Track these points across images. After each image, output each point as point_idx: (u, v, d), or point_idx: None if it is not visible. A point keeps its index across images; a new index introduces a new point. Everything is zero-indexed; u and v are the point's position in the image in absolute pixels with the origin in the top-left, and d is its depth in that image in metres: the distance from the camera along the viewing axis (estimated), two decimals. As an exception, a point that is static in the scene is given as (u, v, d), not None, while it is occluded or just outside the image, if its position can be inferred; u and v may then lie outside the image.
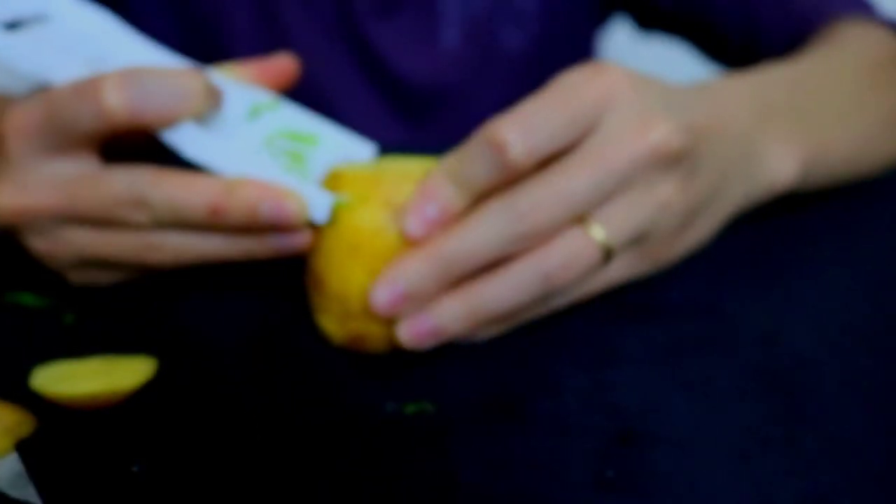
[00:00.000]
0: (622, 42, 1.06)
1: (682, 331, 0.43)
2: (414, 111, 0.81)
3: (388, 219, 0.39)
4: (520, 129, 0.38)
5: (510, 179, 0.38)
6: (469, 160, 0.38)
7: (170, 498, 0.33)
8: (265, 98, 0.45)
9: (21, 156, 0.41)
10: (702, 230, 0.45)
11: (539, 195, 0.38)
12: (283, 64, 0.48)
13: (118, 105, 0.39)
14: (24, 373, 0.38)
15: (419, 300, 0.38)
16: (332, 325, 0.40)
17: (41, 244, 0.43)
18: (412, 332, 0.39)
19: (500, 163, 0.38)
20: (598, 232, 0.39)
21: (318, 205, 0.40)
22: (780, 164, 0.49)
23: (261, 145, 0.43)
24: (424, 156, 0.42)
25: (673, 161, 0.40)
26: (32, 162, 0.41)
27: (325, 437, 0.36)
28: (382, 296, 0.38)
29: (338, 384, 0.39)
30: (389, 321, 0.39)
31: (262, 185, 0.40)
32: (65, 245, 0.43)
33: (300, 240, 0.41)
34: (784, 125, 0.50)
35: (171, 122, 0.40)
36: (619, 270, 0.42)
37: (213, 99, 0.42)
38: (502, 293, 0.39)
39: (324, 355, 0.41)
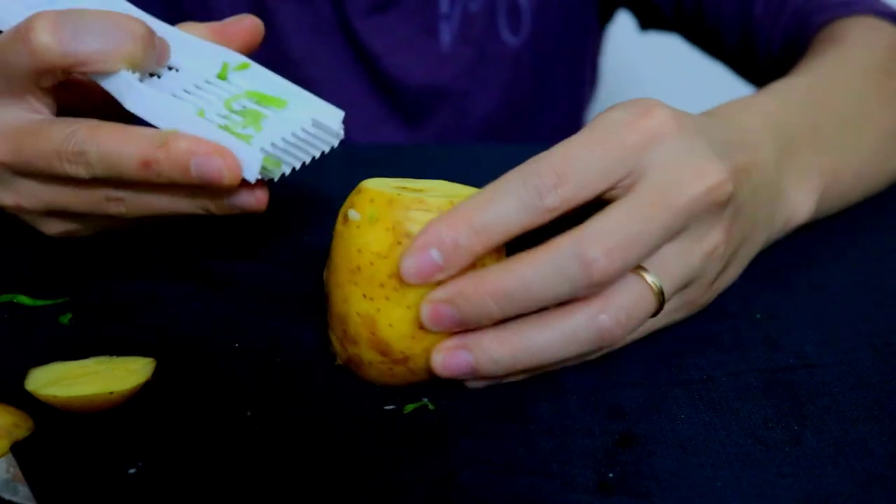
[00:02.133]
0: (621, 40, 1.06)
1: (683, 330, 0.43)
2: (410, 110, 0.80)
3: (391, 245, 0.36)
4: (557, 172, 0.36)
5: (543, 223, 0.36)
6: (499, 200, 0.35)
7: (166, 500, 0.32)
8: (236, 59, 0.45)
9: None
10: (734, 274, 0.43)
11: (610, 241, 0.35)
12: (248, 24, 0.47)
13: (49, 43, 0.39)
14: (21, 374, 0.38)
15: (469, 327, 0.36)
16: (335, 342, 0.39)
17: (5, 196, 0.43)
18: (448, 363, 0.36)
19: (533, 208, 0.35)
20: (653, 281, 0.37)
21: (250, 164, 0.39)
22: (798, 203, 0.48)
23: (219, 102, 0.43)
24: (452, 182, 0.41)
25: (722, 206, 0.39)
26: None
27: (325, 437, 0.36)
28: (435, 313, 0.35)
29: (338, 385, 0.39)
30: (385, 352, 0.37)
31: (195, 139, 0.39)
32: (27, 197, 0.42)
33: (249, 199, 0.41)
34: (802, 157, 0.49)
35: (104, 64, 0.40)
36: (662, 319, 0.40)
37: (155, 49, 0.41)
38: (552, 343, 0.36)
39: (323, 356, 0.41)
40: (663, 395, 0.39)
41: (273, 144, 0.42)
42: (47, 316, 0.44)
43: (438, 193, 0.38)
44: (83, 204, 0.42)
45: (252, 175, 0.40)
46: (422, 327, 0.36)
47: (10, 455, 0.34)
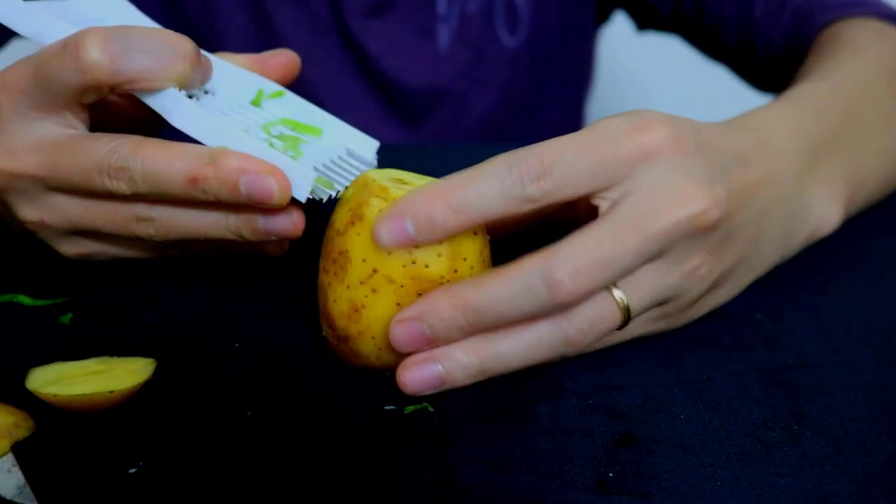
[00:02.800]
0: (618, 41, 1.06)
1: (683, 331, 0.43)
2: (408, 111, 0.81)
3: (346, 223, 0.37)
4: (543, 164, 0.36)
5: (521, 213, 0.37)
6: (481, 181, 0.36)
7: (166, 500, 0.32)
8: (271, 87, 0.45)
9: (9, 115, 0.41)
10: (726, 294, 0.43)
11: (578, 263, 0.35)
12: (285, 58, 0.47)
13: (99, 59, 0.38)
14: (21, 374, 0.38)
15: (437, 344, 0.37)
16: (327, 333, 0.40)
17: (30, 212, 0.42)
18: (416, 377, 0.37)
19: (514, 195, 0.36)
20: (621, 298, 0.37)
21: (300, 183, 0.39)
22: (824, 213, 0.47)
23: (258, 128, 0.43)
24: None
25: (707, 233, 0.38)
26: (20, 122, 0.41)
27: (325, 437, 0.36)
28: (403, 332, 0.36)
29: (338, 385, 0.39)
30: (332, 327, 0.38)
31: (245, 157, 0.39)
32: (53, 213, 0.42)
33: (286, 223, 0.40)
34: (829, 168, 0.48)
35: (153, 82, 0.39)
36: (636, 329, 0.40)
37: (201, 67, 0.41)
38: (518, 351, 0.37)
39: (323, 356, 0.41)
40: (663, 395, 0.39)
41: (319, 166, 0.42)
42: (47, 316, 0.44)
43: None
44: (112, 223, 0.42)
45: (303, 194, 0.39)
46: (357, 310, 0.37)
47: (10, 455, 0.34)
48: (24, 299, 0.45)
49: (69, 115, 0.41)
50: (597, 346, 0.40)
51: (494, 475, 0.34)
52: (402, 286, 0.37)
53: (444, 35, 0.79)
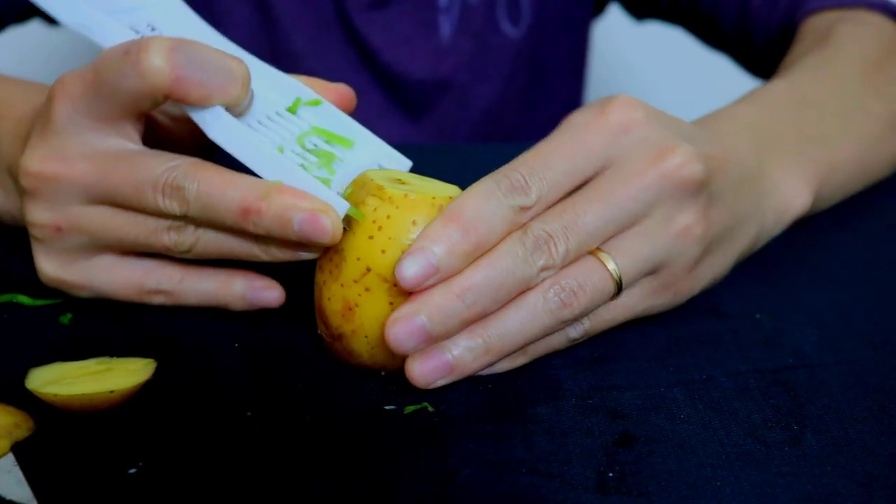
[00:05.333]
0: (616, 31, 1.06)
1: (682, 331, 0.43)
2: (411, 103, 0.81)
3: (369, 247, 0.37)
4: (532, 173, 0.38)
5: (521, 224, 0.38)
6: (477, 202, 0.37)
7: (166, 500, 0.32)
8: (309, 95, 0.45)
9: (64, 119, 0.40)
10: (719, 264, 0.44)
11: (551, 229, 0.37)
12: (342, 90, 0.46)
13: (163, 68, 0.38)
14: (21, 374, 0.38)
15: (438, 339, 0.37)
16: (322, 331, 0.40)
17: (46, 217, 0.41)
18: (425, 368, 0.37)
19: (512, 207, 0.37)
20: (609, 262, 0.38)
21: (342, 214, 0.39)
22: (790, 194, 0.49)
23: (292, 139, 0.43)
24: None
25: (693, 189, 0.39)
26: (74, 128, 0.40)
27: (325, 437, 0.36)
28: (401, 329, 0.36)
29: (337, 385, 0.39)
30: (326, 325, 0.38)
31: (300, 194, 0.38)
32: (74, 220, 0.41)
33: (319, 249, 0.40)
34: (789, 152, 0.50)
35: (209, 99, 0.39)
36: (638, 302, 0.41)
37: (249, 90, 0.41)
38: (516, 323, 0.38)
39: (323, 356, 0.41)
40: (663, 395, 0.39)
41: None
42: (47, 316, 0.44)
43: (419, 189, 0.38)
44: (142, 236, 0.41)
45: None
46: (350, 309, 0.37)
47: (10, 455, 0.34)
48: (24, 299, 0.45)
49: (126, 127, 0.41)
50: (605, 320, 0.41)
51: (494, 475, 0.34)
52: (395, 285, 0.37)
53: (446, 26, 0.79)
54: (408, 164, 0.45)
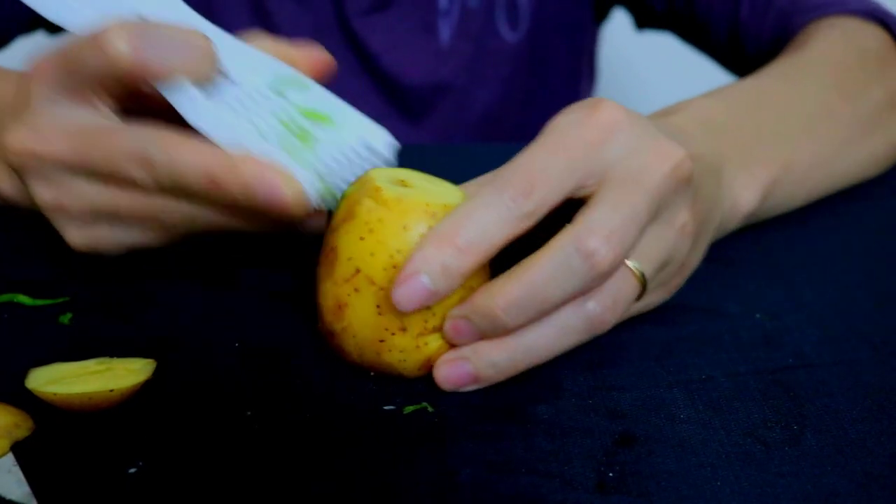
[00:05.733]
0: (620, 37, 1.06)
1: (682, 331, 0.43)
2: (410, 107, 0.81)
3: (340, 220, 0.38)
4: (527, 180, 0.37)
5: (522, 231, 0.37)
6: (479, 214, 0.36)
7: (166, 500, 0.32)
8: (289, 73, 0.45)
9: (38, 97, 0.41)
10: (698, 258, 0.44)
11: (606, 229, 0.36)
12: (315, 54, 0.46)
13: (123, 51, 0.39)
14: (21, 374, 0.38)
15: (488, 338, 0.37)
16: (320, 326, 0.40)
17: (47, 194, 0.42)
18: (450, 375, 0.38)
19: (511, 217, 0.36)
20: (635, 265, 0.38)
21: (312, 191, 0.40)
22: (739, 190, 0.49)
23: (272, 117, 0.43)
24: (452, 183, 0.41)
25: (687, 183, 0.40)
26: (49, 104, 0.41)
27: (325, 437, 0.36)
28: (455, 328, 0.37)
29: (337, 385, 0.39)
30: (322, 321, 0.39)
31: (264, 164, 0.39)
32: (72, 196, 0.42)
33: (313, 223, 0.41)
34: (741, 149, 0.50)
35: (172, 73, 0.40)
36: (642, 301, 0.41)
37: (216, 63, 0.42)
38: (546, 340, 0.37)
39: (323, 356, 0.41)
40: (663, 395, 0.39)
41: (326, 167, 0.42)
42: (47, 316, 0.44)
43: (419, 192, 0.38)
44: (136, 208, 0.42)
45: (315, 202, 0.40)
46: (340, 307, 0.38)
47: (10, 455, 0.34)
48: (24, 299, 0.45)
49: (98, 103, 0.42)
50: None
51: (494, 475, 0.34)
52: (381, 289, 0.37)
53: (445, 30, 0.79)
54: (390, 140, 0.45)
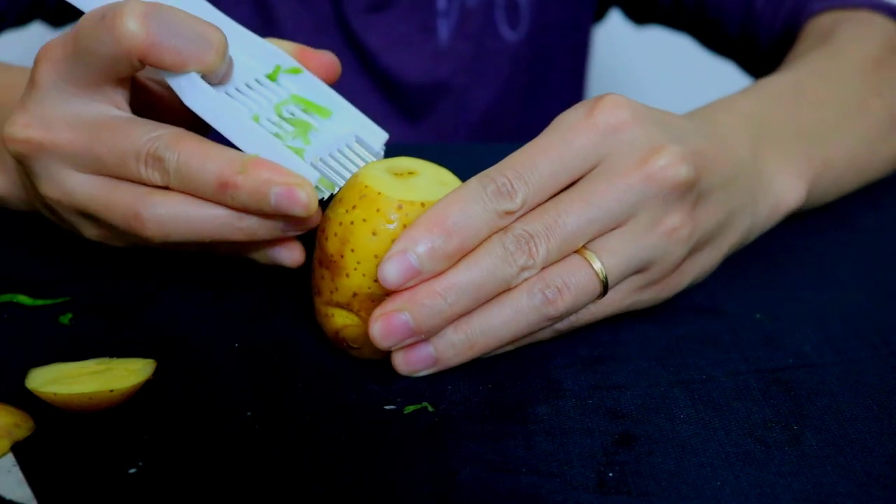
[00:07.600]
0: (616, 35, 1.06)
1: (682, 330, 0.43)
2: (409, 106, 0.81)
3: (332, 205, 0.39)
4: (512, 175, 0.38)
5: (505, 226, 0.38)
6: (464, 205, 0.37)
7: (166, 500, 0.32)
8: (289, 62, 0.45)
9: (48, 85, 0.40)
10: (708, 260, 0.44)
11: (532, 230, 0.37)
12: (328, 59, 0.46)
13: (137, 32, 0.38)
14: (21, 374, 0.38)
15: (422, 334, 0.37)
16: (319, 317, 0.40)
17: (50, 189, 0.42)
18: (409, 359, 0.38)
19: (496, 212, 0.37)
20: (594, 261, 0.38)
21: (315, 185, 0.40)
22: (785, 187, 0.48)
23: (270, 107, 0.43)
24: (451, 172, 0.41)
25: (679, 190, 0.39)
26: (57, 95, 0.40)
27: (325, 437, 0.36)
28: (389, 323, 0.37)
29: (338, 385, 0.39)
30: (315, 302, 0.40)
31: (277, 168, 0.39)
32: (64, 194, 0.41)
33: (311, 223, 0.41)
34: (785, 146, 0.50)
35: (184, 65, 0.39)
36: (625, 298, 0.41)
37: (227, 61, 0.41)
38: (502, 321, 0.38)
39: (323, 356, 0.41)
40: (663, 395, 0.39)
41: (322, 161, 0.42)
42: (47, 316, 0.44)
43: (423, 179, 0.39)
44: (118, 213, 0.41)
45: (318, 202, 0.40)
46: (318, 294, 0.39)
47: (10, 455, 0.34)
48: (24, 299, 0.45)
49: (109, 93, 0.41)
50: (590, 314, 0.41)
51: (494, 475, 0.34)
52: (326, 240, 0.38)
53: (444, 30, 0.79)
54: (384, 135, 0.45)
